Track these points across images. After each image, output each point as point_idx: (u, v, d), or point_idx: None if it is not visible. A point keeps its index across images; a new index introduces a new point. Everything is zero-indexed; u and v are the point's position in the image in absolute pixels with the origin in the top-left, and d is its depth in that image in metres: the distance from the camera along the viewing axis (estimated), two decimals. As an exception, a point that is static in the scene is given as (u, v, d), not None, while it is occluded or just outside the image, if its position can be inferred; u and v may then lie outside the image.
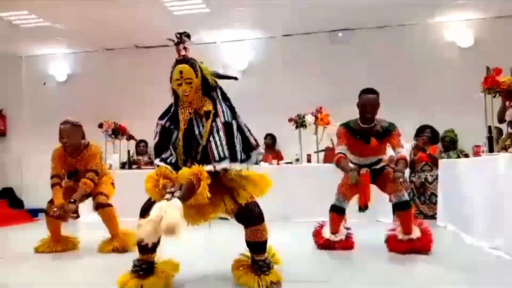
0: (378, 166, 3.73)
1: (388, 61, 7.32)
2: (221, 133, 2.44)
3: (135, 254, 2.66)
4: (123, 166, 6.97)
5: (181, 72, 2.49)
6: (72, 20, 7.02)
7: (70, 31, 7.51)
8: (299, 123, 6.18)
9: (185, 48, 2.58)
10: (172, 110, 2.61)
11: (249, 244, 2.60)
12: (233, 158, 2.43)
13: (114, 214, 3.98)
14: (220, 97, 2.58)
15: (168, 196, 2.26)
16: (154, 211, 2.16)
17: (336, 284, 2.79)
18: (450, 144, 6.04)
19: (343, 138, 3.59)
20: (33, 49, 8.51)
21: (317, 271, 3.16)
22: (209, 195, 2.31)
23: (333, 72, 7.43)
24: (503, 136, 4.22)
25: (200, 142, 2.48)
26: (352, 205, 3.72)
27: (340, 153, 3.54)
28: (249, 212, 2.53)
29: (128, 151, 7.22)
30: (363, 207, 3.51)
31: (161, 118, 2.62)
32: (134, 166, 6.97)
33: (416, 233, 3.54)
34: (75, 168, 3.94)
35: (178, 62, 2.55)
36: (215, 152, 2.40)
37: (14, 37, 7.63)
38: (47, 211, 3.82)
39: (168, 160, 2.49)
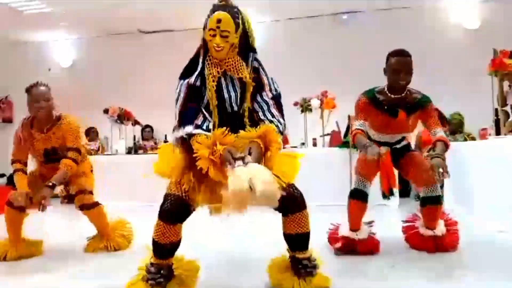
0: (399, 146, 3.10)
1: (394, 43, 7.12)
2: (273, 109, 2.05)
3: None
4: (129, 151, 7.01)
5: (218, 21, 1.97)
6: (75, 6, 6.99)
7: (74, 17, 7.48)
8: (304, 107, 6.16)
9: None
10: (200, 67, 2.10)
11: (290, 238, 2.09)
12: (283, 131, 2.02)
13: (102, 213, 3.36)
14: (261, 64, 2.13)
15: (239, 162, 1.79)
16: (236, 181, 1.72)
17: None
18: (458, 127, 6.00)
19: (364, 111, 2.93)
20: (38, 35, 8.49)
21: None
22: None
23: (339, 55, 7.37)
24: (510, 118, 4.19)
25: (231, 108, 2.07)
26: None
27: (358, 129, 2.87)
28: (291, 194, 2.00)
29: (134, 136, 7.25)
30: (387, 193, 2.90)
31: (185, 76, 2.10)
32: (140, 152, 7.01)
33: (440, 228, 3.01)
34: (52, 146, 3.18)
35: (217, 7, 2.01)
36: (269, 116, 2.03)
37: (18, 23, 7.62)
38: (9, 202, 3.08)
39: (205, 127, 1.99)
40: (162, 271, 2.06)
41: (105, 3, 6.80)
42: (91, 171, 3.52)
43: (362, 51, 7.15)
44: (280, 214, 2.09)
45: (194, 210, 2.09)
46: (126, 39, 8.43)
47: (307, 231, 2.07)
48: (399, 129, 2.99)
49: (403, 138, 3.12)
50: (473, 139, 5.53)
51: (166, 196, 2.06)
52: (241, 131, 1.95)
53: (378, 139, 3.05)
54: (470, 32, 7.13)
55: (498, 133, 3.84)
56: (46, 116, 3.13)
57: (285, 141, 6.91)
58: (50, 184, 2.97)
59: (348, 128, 5.86)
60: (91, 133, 7.67)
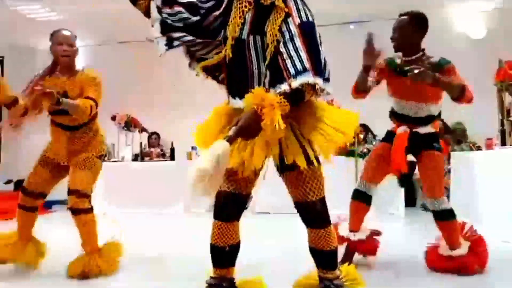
0: (422, 131, 2.82)
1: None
2: (297, 39, 1.61)
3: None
4: (135, 158, 7.06)
5: None
6: (85, 14, 7.09)
7: (82, 25, 7.56)
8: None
9: None
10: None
11: (312, 252, 1.87)
12: (318, 71, 1.60)
13: (93, 223, 2.87)
14: None
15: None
16: (199, 160, 1.53)
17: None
18: (461, 136, 6.01)
19: (380, 73, 2.88)
20: (48, 42, 8.59)
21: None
22: (282, 125, 1.51)
23: (346, 65, 7.35)
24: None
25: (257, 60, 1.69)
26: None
27: None
28: (306, 206, 1.76)
29: (141, 143, 7.30)
30: (397, 174, 2.78)
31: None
32: (146, 158, 7.05)
33: (464, 248, 2.78)
34: (64, 90, 2.87)
35: None
36: (289, 63, 1.58)
37: (29, 30, 7.72)
38: (21, 205, 2.91)
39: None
40: (224, 284, 1.85)
41: (113, 11, 6.89)
42: (99, 157, 3.03)
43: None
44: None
45: (247, 199, 1.88)
46: (134, 47, 8.50)
47: (329, 249, 1.80)
48: (415, 95, 2.77)
49: (427, 119, 2.84)
50: (479, 148, 5.52)
51: (218, 194, 1.80)
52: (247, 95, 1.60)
53: (399, 110, 2.89)
54: (475, 41, 7.13)
55: (504, 143, 3.84)
56: (67, 63, 2.92)
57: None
58: (58, 99, 2.60)
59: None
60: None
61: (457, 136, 6.03)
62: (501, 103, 3.86)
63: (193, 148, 6.93)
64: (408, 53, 2.83)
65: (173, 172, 6.53)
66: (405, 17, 2.84)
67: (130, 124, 6.97)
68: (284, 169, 1.76)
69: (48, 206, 7.33)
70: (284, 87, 1.56)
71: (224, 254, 1.84)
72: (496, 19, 7.05)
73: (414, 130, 2.81)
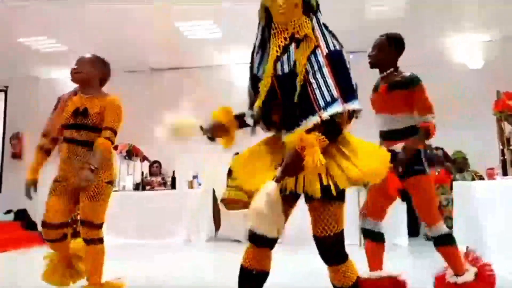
0: (396, 148, 2.71)
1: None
2: (325, 69, 1.65)
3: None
4: (136, 187, 7.04)
5: None
6: (89, 44, 7.20)
7: (86, 55, 7.71)
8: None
9: None
10: (259, 38, 1.87)
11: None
12: (349, 97, 1.62)
13: (102, 255, 2.87)
14: (319, 23, 1.76)
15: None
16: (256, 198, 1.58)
17: None
18: (463, 165, 6.00)
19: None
20: (51, 72, 8.72)
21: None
22: (323, 160, 1.53)
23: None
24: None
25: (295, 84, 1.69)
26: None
27: None
28: (322, 245, 1.74)
29: (142, 172, 7.30)
30: (397, 195, 2.70)
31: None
32: (147, 187, 7.03)
33: (470, 274, 2.74)
34: (84, 106, 2.90)
35: None
36: (318, 94, 1.62)
37: (33, 61, 7.86)
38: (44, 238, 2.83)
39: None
40: None
41: (117, 42, 7.03)
42: (109, 182, 2.94)
43: (367, 90, 7.23)
44: None
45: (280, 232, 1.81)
46: (137, 77, 8.62)
47: (348, 285, 1.76)
48: (385, 107, 2.83)
49: (401, 134, 2.76)
50: (481, 177, 5.51)
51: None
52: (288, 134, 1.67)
53: (378, 126, 2.93)
54: (474, 71, 7.23)
55: (505, 173, 3.84)
56: (80, 82, 2.96)
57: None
58: (92, 167, 2.64)
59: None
60: (98, 168, 7.74)
61: (458, 165, 6.03)
62: (500, 133, 3.88)
63: (194, 177, 6.93)
64: (382, 70, 2.93)
65: (174, 201, 6.51)
66: (383, 38, 3.00)
67: (131, 153, 6.99)
68: (306, 199, 1.76)
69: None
70: (315, 119, 1.60)
71: (250, 278, 1.82)
72: (493, 49, 7.17)
73: (390, 148, 2.61)
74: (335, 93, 1.61)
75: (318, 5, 1.78)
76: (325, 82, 1.63)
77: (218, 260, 4.47)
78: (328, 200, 1.67)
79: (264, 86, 1.76)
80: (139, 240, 6.15)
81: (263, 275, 1.85)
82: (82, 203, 2.82)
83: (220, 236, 6.58)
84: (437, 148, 6.31)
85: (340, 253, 1.77)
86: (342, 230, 1.74)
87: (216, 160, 7.18)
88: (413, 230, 6.02)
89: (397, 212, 5.48)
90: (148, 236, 6.20)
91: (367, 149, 1.71)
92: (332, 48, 1.69)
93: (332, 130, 1.60)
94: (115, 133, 2.88)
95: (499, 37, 7.09)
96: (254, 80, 1.86)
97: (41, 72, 8.67)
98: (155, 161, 7.60)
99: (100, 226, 2.88)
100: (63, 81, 8.97)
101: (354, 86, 1.67)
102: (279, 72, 1.73)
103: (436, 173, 6.22)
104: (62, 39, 7.03)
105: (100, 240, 2.87)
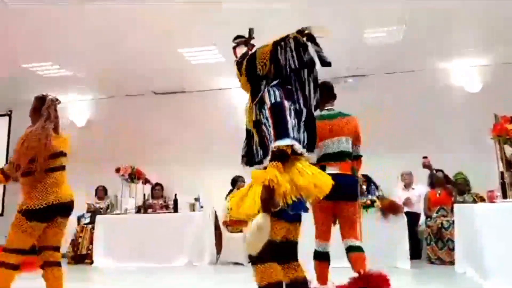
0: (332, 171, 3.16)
1: (397, 106, 7.43)
2: (269, 120, 2.09)
3: None
4: (138, 210, 7.05)
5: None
6: (92, 69, 7.36)
7: (90, 79, 7.85)
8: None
9: (234, 48, 2.46)
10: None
11: None
12: (279, 138, 2.01)
13: (62, 276, 3.07)
14: (272, 82, 2.22)
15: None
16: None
17: None
18: (464, 187, 6.02)
19: None
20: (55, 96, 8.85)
21: None
22: (280, 179, 1.90)
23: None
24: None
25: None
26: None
27: None
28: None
29: (144, 195, 7.33)
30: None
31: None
32: (149, 210, 7.04)
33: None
34: (60, 150, 3.15)
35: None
36: (269, 136, 2.07)
37: (36, 85, 7.97)
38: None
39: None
40: None
41: (121, 66, 7.17)
42: (21, 211, 3.03)
43: (366, 114, 7.30)
44: None
45: None
46: (139, 100, 8.74)
47: (261, 286, 2.00)
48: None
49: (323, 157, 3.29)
50: (482, 199, 5.52)
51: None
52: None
53: None
54: (472, 95, 7.33)
55: (505, 195, 3.87)
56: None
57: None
58: None
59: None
60: (99, 191, 7.79)
61: (460, 187, 6.05)
62: (504, 156, 3.94)
63: (196, 199, 6.95)
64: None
65: (176, 224, 6.51)
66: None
67: (134, 176, 7.03)
68: None
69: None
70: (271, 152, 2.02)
71: None
72: (491, 73, 7.28)
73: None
74: (273, 135, 2.04)
75: (272, 68, 2.23)
76: (270, 125, 2.08)
77: (221, 283, 4.45)
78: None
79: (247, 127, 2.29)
80: (141, 264, 6.13)
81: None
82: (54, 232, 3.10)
83: (222, 259, 6.55)
84: (437, 170, 6.35)
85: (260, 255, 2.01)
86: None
87: (217, 183, 7.24)
88: (415, 253, 6.01)
89: (399, 235, 5.49)
90: (150, 259, 6.18)
91: (312, 171, 2.06)
92: (273, 101, 2.10)
93: (277, 157, 1.97)
94: (14, 165, 3.05)
95: (495, 61, 7.21)
96: None
97: (45, 96, 8.80)
98: (157, 184, 7.63)
99: (8, 250, 2.98)
100: (66, 104, 9.12)
101: (289, 129, 2.05)
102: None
103: (437, 195, 6.26)
104: (65, 65, 7.16)
105: (59, 263, 3.08)
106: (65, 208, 3.08)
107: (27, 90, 8.17)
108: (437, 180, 6.27)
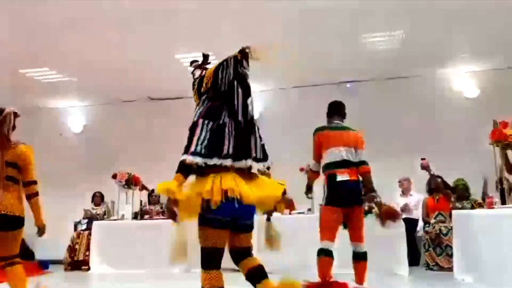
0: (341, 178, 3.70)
1: (396, 111, 7.44)
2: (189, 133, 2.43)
3: None
4: (135, 216, 7.00)
5: None
6: (88, 75, 7.34)
7: (86, 85, 7.83)
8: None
9: (192, 73, 2.74)
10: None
11: None
12: (184, 152, 2.32)
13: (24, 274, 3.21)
14: (204, 100, 2.56)
15: None
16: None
17: None
18: (464, 193, 6.00)
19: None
20: (52, 102, 8.82)
21: None
22: (176, 190, 2.24)
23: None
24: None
25: None
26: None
27: None
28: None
29: (141, 201, 7.28)
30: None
31: None
32: (146, 217, 7.00)
33: None
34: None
35: None
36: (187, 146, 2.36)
37: (35, 91, 7.97)
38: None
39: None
40: None
41: (117, 72, 7.16)
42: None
43: (365, 119, 7.31)
44: None
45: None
46: (136, 106, 8.71)
47: None
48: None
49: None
50: (481, 205, 5.50)
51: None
52: None
53: None
54: (470, 100, 7.33)
55: (503, 202, 3.85)
56: None
57: (291, 206, 6.95)
58: None
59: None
60: (96, 197, 7.74)
61: (459, 192, 6.03)
62: (505, 162, 3.93)
63: (193, 205, 6.90)
64: None
65: (172, 231, 6.45)
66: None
67: (131, 182, 6.98)
68: None
69: (45, 266, 7.20)
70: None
71: None
72: (488, 78, 7.30)
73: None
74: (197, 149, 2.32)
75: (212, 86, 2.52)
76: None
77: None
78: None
79: None
80: (138, 270, 6.07)
81: None
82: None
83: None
84: (435, 176, 6.33)
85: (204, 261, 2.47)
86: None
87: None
88: (413, 259, 5.97)
89: (397, 241, 5.46)
90: (147, 265, 6.13)
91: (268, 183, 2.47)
92: (194, 119, 2.43)
93: (180, 169, 2.29)
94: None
95: (492, 67, 7.23)
96: None
97: (42, 101, 8.76)
98: (154, 190, 7.59)
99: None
100: (63, 110, 9.09)
101: (190, 144, 2.33)
102: None
103: (435, 201, 6.23)
104: (62, 71, 7.14)
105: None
106: None
107: (24, 94, 8.16)
108: (435, 185, 6.25)
